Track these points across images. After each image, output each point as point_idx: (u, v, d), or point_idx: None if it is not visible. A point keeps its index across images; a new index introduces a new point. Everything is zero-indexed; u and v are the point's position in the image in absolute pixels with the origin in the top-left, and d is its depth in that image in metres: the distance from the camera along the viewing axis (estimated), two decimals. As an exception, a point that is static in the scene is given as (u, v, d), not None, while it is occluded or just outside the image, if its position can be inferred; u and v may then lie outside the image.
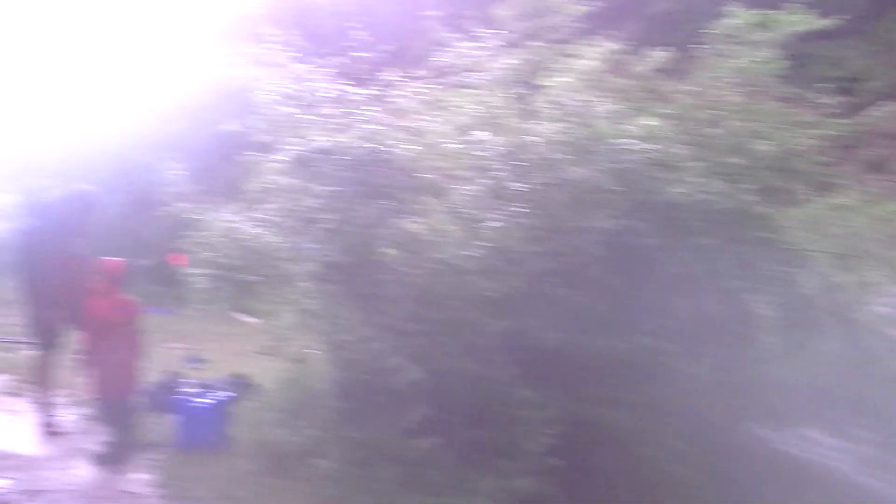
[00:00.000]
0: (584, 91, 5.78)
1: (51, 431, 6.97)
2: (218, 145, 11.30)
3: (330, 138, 5.82)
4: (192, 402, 6.74)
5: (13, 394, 7.90)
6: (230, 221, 6.81)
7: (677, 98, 6.06)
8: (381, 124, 5.90)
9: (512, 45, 6.28)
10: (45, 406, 7.07)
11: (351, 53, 6.21)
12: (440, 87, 6.28)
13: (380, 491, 5.73)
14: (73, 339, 6.76)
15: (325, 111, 6.04)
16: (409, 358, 5.63)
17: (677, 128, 5.69)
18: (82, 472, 6.31)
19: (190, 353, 8.98)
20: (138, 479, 6.19)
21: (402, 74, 6.29)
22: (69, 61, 13.03)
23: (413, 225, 5.89)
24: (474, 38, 6.35)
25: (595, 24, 7.04)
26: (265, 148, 6.53)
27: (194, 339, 9.55)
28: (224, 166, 10.66)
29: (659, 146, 5.46)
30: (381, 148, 5.78)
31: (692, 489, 5.39)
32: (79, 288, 6.50)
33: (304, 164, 5.93)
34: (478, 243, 5.70)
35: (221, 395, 6.92)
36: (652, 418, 5.46)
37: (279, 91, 6.27)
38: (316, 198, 5.95)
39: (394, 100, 6.14)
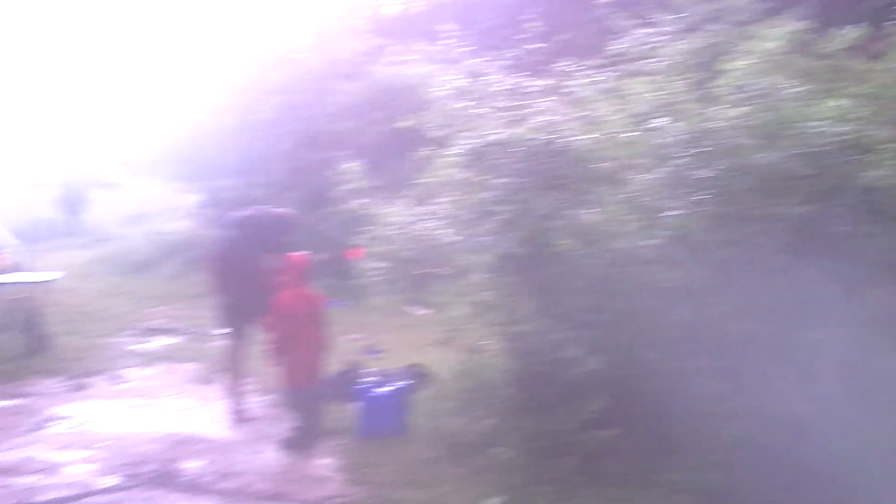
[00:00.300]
0: (768, 73, 5.56)
1: (240, 417, 7.31)
2: (391, 141, 11.56)
3: (505, 131, 5.83)
4: (373, 391, 6.91)
5: (205, 381, 8.34)
6: (405, 216, 6.95)
7: (871, 77, 5.73)
8: (557, 115, 5.87)
9: (691, 28, 6.11)
10: (235, 393, 7.42)
11: (525, 45, 6.21)
12: (617, 74, 6.18)
13: (558, 481, 5.70)
14: (262, 331, 7.08)
15: (499, 104, 6.06)
16: (588, 348, 5.58)
17: (872, 108, 5.37)
18: (270, 456, 6.58)
19: (367, 344, 9.21)
20: (323, 464, 6.40)
21: (577, 63, 6.23)
22: (242, 62, 13.58)
23: (590, 215, 5.83)
24: (651, 24, 6.22)
25: (777, 4, 6.74)
26: (439, 143, 6.62)
27: (370, 330, 9.80)
28: (398, 162, 10.88)
29: (852, 128, 5.18)
30: (557, 139, 5.74)
31: (893, 485, 5.11)
32: (267, 282, 6.79)
33: (479, 157, 5.97)
34: (658, 232, 5.58)
35: (400, 384, 7.06)
36: (848, 412, 5.19)
37: (453, 86, 6.34)
38: (491, 190, 5.98)
39: (569, 90, 6.09)
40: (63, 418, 7.17)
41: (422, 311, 9.95)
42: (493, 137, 5.80)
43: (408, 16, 17.45)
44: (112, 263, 14.23)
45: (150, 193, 17.87)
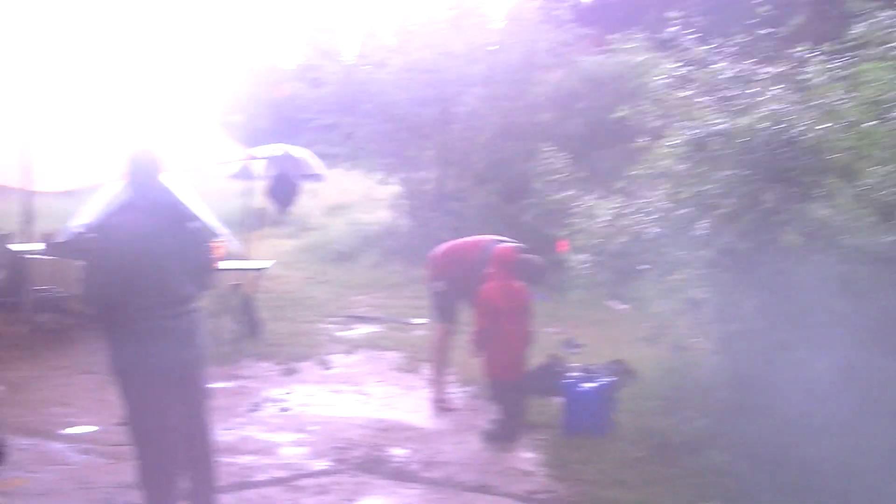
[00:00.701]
0: None
1: (443, 407, 7.36)
2: (595, 132, 11.38)
3: (730, 120, 5.56)
4: (578, 386, 6.78)
5: (407, 370, 8.47)
6: (612, 208, 6.79)
7: None
8: (787, 103, 5.53)
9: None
10: (439, 383, 7.48)
11: (754, 30, 5.89)
12: (855, 60, 5.76)
13: (780, 492, 5.36)
14: (468, 321, 7.09)
15: (725, 92, 5.78)
16: (817, 351, 5.24)
17: None
18: (473, 447, 6.56)
19: (566, 338, 9.09)
20: (526, 458, 6.33)
21: (810, 49, 5.85)
22: (442, 54, 13.69)
23: (821, 210, 5.46)
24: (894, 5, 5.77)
25: None
26: (653, 133, 6.41)
27: (569, 323, 9.67)
28: (603, 153, 10.72)
29: None
30: (787, 128, 5.41)
31: None
32: (480, 273, 6.80)
33: (699, 148, 5.73)
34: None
35: (605, 380, 6.90)
36: None
37: (673, 74, 6.11)
38: (712, 183, 5.73)
39: (803, 77, 5.73)
40: (275, 401, 7.43)
41: (622, 306, 9.74)
42: (716, 127, 5.54)
43: (608, 3, 17.18)
44: (315, 252, 14.76)
45: (350, 185, 18.44)
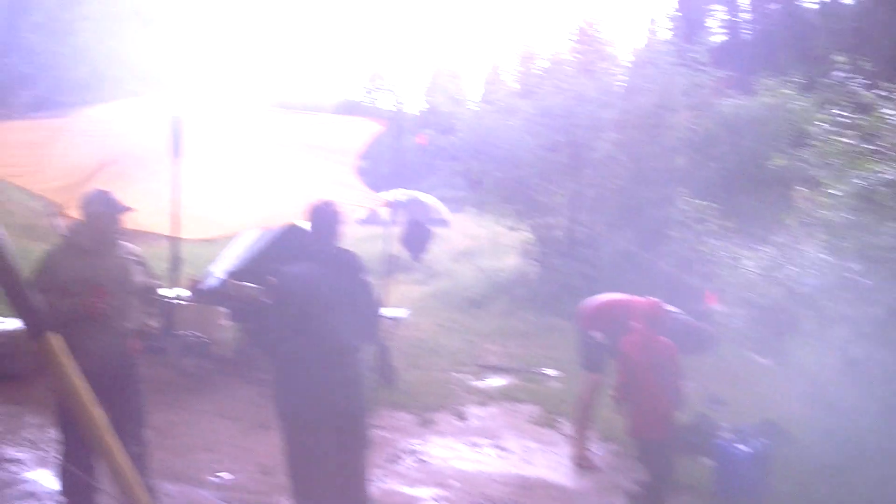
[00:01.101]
0: None
1: (584, 464, 7.10)
2: (735, 177, 11.01)
3: (900, 169, 5.25)
4: (731, 447, 6.44)
5: (544, 424, 8.24)
6: (765, 259, 6.50)
7: None
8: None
9: None
10: (580, 438, 7.23)
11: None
12: None
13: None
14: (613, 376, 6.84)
15: (894, 139, 5.46)
16: None
17: None
18: (618, 509, 6.33)
19: (709, 394, 8.68)
20: (675, 523, 6.07)
21: None
22: (576, 99, 13.56)
23: None
24: None
25: None
26: (808, 181, 6.11)
27: (712, 378, 9.24)
28: (744, 199, 10.31)
29: None
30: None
31: None
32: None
33: (866, 198, 5.41)
34: None
35: (758, 441, 6.52)
36: None
37: (836, 121, 5.81)
38: (880, 235, 5.39)
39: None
40: (412, 453, 7.33)
41: (761, 360, 9.26)
42: (885, 176, 5.22)
43: (739, 43, 16.79)
44: (445, 299, 14.71)
45: (476, 230, 18.38)
